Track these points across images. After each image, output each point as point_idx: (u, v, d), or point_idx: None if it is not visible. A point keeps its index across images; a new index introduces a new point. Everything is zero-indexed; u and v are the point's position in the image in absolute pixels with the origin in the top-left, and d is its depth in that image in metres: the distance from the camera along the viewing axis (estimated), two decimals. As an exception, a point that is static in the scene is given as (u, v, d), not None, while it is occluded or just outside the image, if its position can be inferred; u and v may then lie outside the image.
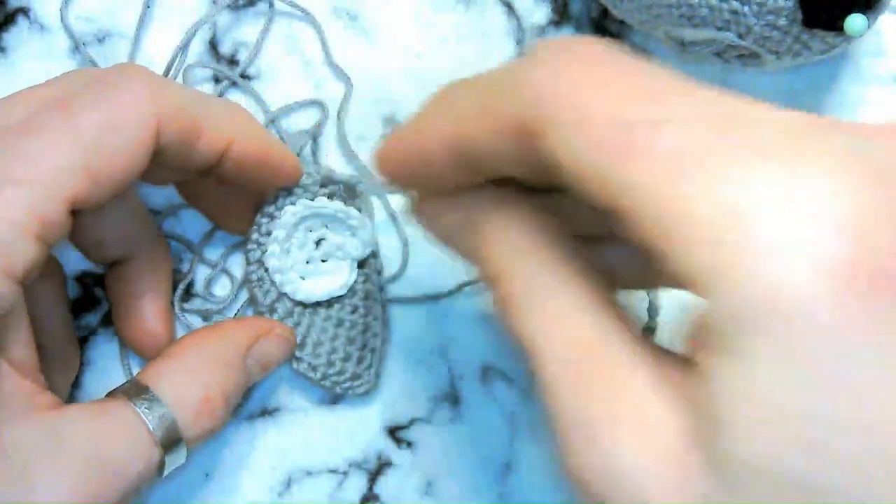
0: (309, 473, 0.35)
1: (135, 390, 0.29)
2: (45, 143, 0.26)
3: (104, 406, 0.28)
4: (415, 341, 0.36)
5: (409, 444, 0.35)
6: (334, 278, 0.35)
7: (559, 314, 0.21)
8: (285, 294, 0.34)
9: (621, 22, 0.36)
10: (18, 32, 0.37)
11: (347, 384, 0.34)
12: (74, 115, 0.27)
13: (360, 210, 0.35)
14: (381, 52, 0.37)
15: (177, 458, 0.29)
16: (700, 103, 0.20)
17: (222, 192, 0.34)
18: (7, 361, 0.26)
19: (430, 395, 0.36)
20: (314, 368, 0.34)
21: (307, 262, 0.35)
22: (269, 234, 0.34)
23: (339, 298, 0.34)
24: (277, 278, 0.34)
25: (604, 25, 0.37)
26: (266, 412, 0.35)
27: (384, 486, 0.35)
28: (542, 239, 0.22)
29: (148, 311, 0.33)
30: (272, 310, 0.34)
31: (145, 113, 0.28)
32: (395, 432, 0.35)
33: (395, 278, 0.36)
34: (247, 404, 0.35)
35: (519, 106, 0.21)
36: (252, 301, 0.35)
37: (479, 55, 0.37)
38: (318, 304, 0.34)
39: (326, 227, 0.35)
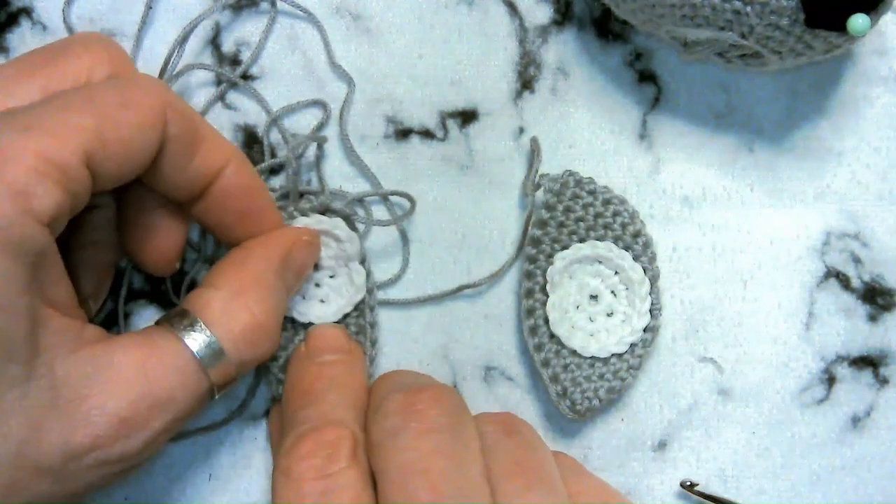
0: (311, 473, 0.35)
1: (179, 318, 0.29)
2: (61, 103, 0.27)
3: (150, 336, 0.29)
4: (416, 342, 0.36)
5: (412, 444, 0.35)
6: (330, 305, 0.35)
7: None
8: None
9: (623, 22, 0.36)
10: (21, 33, 0.37)
11: None
12: (91, 89, 0.28)
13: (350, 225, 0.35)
14: (383, 53, 0.37)
15: (227, 384, 0.29)
16: None
17: (153, 229, 0.32)
18: (47, 303, 0.27)
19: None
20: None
21: (317, 286, 0.35)
22: None
23: None
24: (291, 313, 0.34)
25: (606, 25, 0.37)
26: (270, 412, 0.35)
27: (386, 485, 0.35)
28: None
29: (161, 227, 0.32)
30: None
31: (156, 101, 0.28)
32: (397, 432, 0.35)
33: (395, 280, 0.36)
34: (250, 405, 0.35)
35: None
36: None
37: (481, 55, 0.37)
38: (309, 324, 0.34)
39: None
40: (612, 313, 0.35)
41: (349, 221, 0.35)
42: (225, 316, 0.29)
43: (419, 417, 0.28)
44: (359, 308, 0.35)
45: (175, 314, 0.29)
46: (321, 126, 0.36)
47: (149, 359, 0.28)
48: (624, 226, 0.35)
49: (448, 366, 0.36)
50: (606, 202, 0.35)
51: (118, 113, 0.27)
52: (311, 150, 0.36)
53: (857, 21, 0.30)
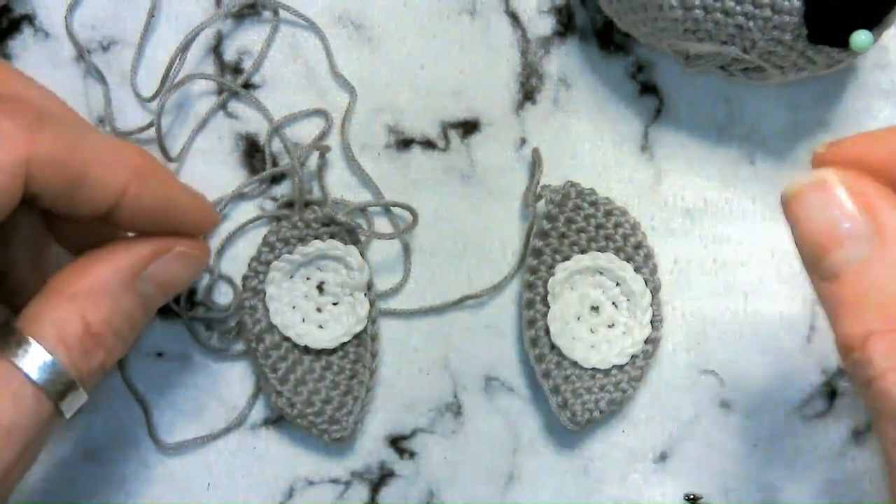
0: (311, 483, 0.35)
1: (8, 339, 0.26)
2: None
3: None
4: (417, 352, 0.36)
5: (412, 455, 0.35)
6: (328, 332, 0.34)
7: None
8: (275, 326, 0.34)
9: (626, 34, 0.36)
10: (23, 40, 0.37)
11: (324, 426, 0.34)
12: None
13: (356, 245, 0.35)
14: (385, 62, 0.37)
15: (74, 400, 0.27)
16: None
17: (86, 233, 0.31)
18: None
19: (432, 406, 0.36)
20: (292, 405, 0.34)
21: (318, 310, 0.35)
22: (267, 263, 0.34)
23: None
24: (289, 332, 0.34)
25: (608, 38, 0.37)
26: (269, 422, 0.35)
27: (386, 496, 0.35)
28: None
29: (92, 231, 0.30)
30: (259, 339, 0.34)
31: (14, 159, 0.25)
32: (397, 442, 0.35)
33: (397, 290, 0.36)
34: (249, 414, 0.35)
35: None
36: (240, 326, 0.35)
37: (483, 66, 0.37)
38: (305, 348, 0.34)
39: (319, 269, 0.35)
40: (613, 325, 0.35)
41: (352, 233, 0.35)
42: (54, 327, 0.26)
43: None
44: (359, 337, 0.35)
45: (5, 333, 0.26)
46: (323, 135, 0.36)
47: None
48: (625, 237, 0.35)
49: (448, 376, 0.36)
50: (608, 213, 0.35)
51: None
52: (313, 159, 0.36)
53: (860, 37, 0.30)
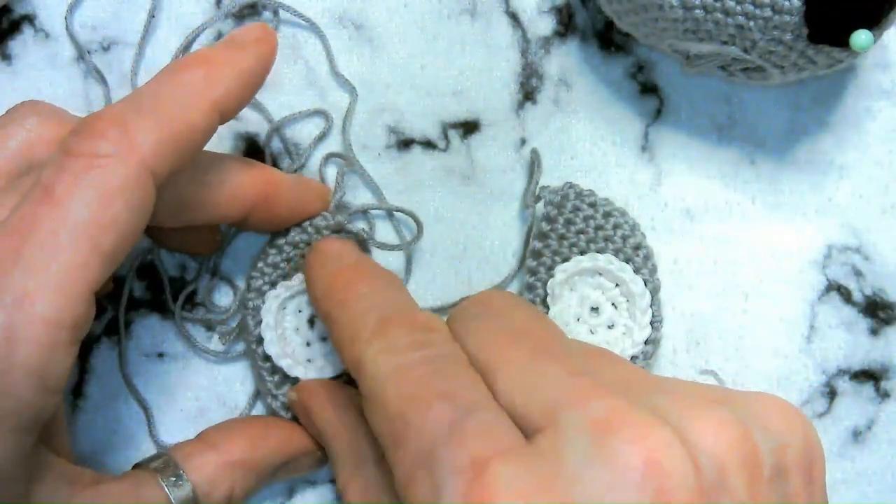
0: (312, 483, 0.35)
1: (166, 467, 0.30)
2: (52, 250, 0.25)
3: (136, 483, 0.29)
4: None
5: (411, 455, 0.35)
6: (327, 365, 0.34)
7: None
8: (269, 355, 0.34)
9: (626, 35, 0.36)
10: (24, 40, 0.37)
11: None
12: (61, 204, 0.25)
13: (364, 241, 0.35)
14: (385, 63, 0.37)
15: None
16: None
17: (188, 232, 0.34)
18: (52, 450, 0.27)
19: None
20: (287, 408, 0.34)
21: (307, 344, 0.34)
22: (274, 266, 0.34)
23: None
24: (280, 363, 0.34)
25: (609, 38, 0.37)
26: (268, 422, 0.35)
27: (386, 496, 0.35)
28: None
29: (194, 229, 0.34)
30: (259, 341, 0.34)
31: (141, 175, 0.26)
32: (397, 443, 0.35)
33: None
34: (249, 414, 0.35)
35: None
36: (242, 324, 0.35)
37: (483, 66, 0.37)
38: (297, 380, 0.34)
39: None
40: (612, 325, 0.35)
41: (363, 244, 0.34)
42: (211, 483, 0.30)
43: (500, 299, 0.30)
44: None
45: (166, 465, 0.30)
46: (323, 136, 0.36)
47: None
48: (625, 238, 0.35)
49: (448, 377, 0.36)
50: (607, 214, 0.35)
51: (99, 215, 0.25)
52: (314, 160, 0.36)
53: (861, 37, 0.30)
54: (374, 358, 0.26)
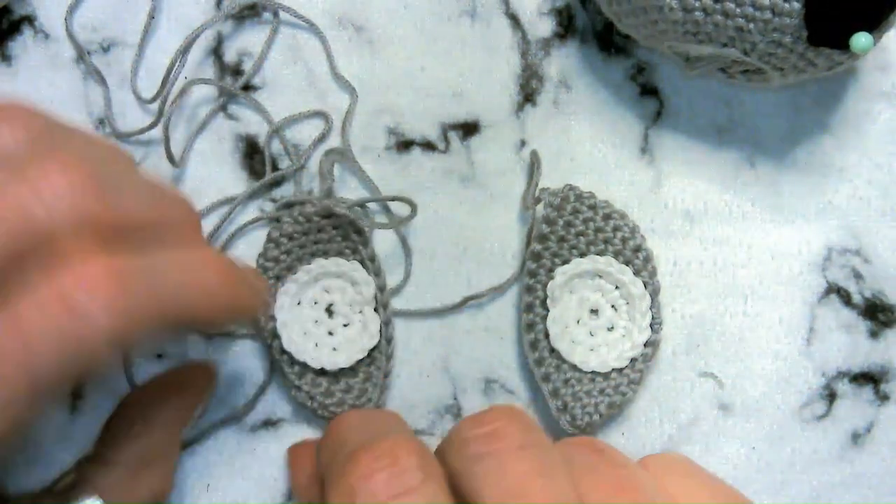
0: (310, 485, 0.35)
1: (82, 496, 0.29)
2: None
3: None
4: (417, 354, 0.36)
5: (411, 457, 0.35)
6: (342, 353, 0.34)
7: None
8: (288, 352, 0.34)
9: (626, 36, 0.36)
10: (23, 41, 0.37)
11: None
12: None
13: (360, 234, 0.35)
14: (385, 64, 0.37)
15: None
16: None
17: None
18: None
19: (432, 408, 0.36)
20: (311, 397, 0.34)
21: (329, 333, 0.35)
22: (274, 260, 0.34)
23: None
24: (303, 358, 0.34)
25: (609, 39, 0.37)
26: (269, 423, 0.35)
27: (385, 498, 0.35)
28: None
29: None
30: (273, 335, 0.34)
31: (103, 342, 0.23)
32: (396, 444, 0.35)
33: (397, 292, 0.36)
34: (249, 416, 0.35)
35: None
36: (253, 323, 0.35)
37: (483, 68, 0.37)
38: (321, 370, 0.34)
39: (326, 291, 0.35)
40: (612, 328, 0.35)
41: (353, 224, 0.35)
42: (126, 494, 0.29)
43: (502, 438, 0.27)
44: (371, 354, 0.35)
45: (79, 493, 0.29)
46: (323, 137, 0.36)
47: None
48: (624, 240, 0.35)
49: (448, 378, 0.36)
50: (607, 217, 0.35)
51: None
52: (313, 162, 0.36)
53: (860, 40, 0.30)
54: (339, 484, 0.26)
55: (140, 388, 0.32)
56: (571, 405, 0.34)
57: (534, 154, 0.36)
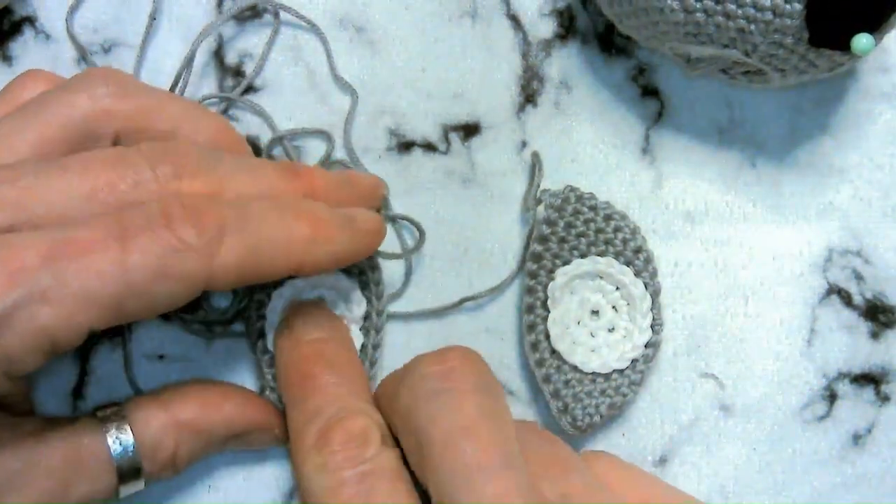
0: (311, 486, 0.35)
1: (113, 418, 0.30)
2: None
3: (79, 432, 0.29)
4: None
5: (412, 458, 0.35)
6: None
7: None
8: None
9: (627, 37, 0.36)
10: (24, 42, 0.37)
11: None
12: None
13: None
14: (386, 65, 0.37)
15: (133, 488, 0.30)
16: None
17: None
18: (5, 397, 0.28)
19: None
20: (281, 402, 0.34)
21: None
22: None
23: None
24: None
25: (610, 40, 0.37)
26: (269, 424, 0.35)
27: (386, 499, 0.35)
28: None
29: None
30: (260, 334, 0.34)
31: (196, 277, 0.28)
32: (397, 445, 0.35)
33: (397, 294, 0.36)
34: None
35: None
36: (246, 315, 0.35)
37: (484, 69, 0.37)
38: None
39: (323, 297, 0.35)
40: (613, 329, 0.35)
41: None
42: (155, 437, 0.30)
43: (457, 377, 0.28)
44: (366, 327, 0.35)
45: (114, 415, 0.30)
46: (328, 156, 0.36)
47: (70, 457, 0.29)
48: (625, 241, 0.35)
49: (449, 379, 0.36)
50: (607, 218, 0.35)
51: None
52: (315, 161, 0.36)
53: (861, 41, 0.30)
54: (309, 475, 0.28)
55: (241, 393, 0.33)
56: (572, 406, 0.34)
57: (535, 156, 0.36)
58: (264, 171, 0.31)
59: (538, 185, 0.36)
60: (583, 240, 0.35)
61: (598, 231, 0.35)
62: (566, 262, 0.34)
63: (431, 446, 0.26)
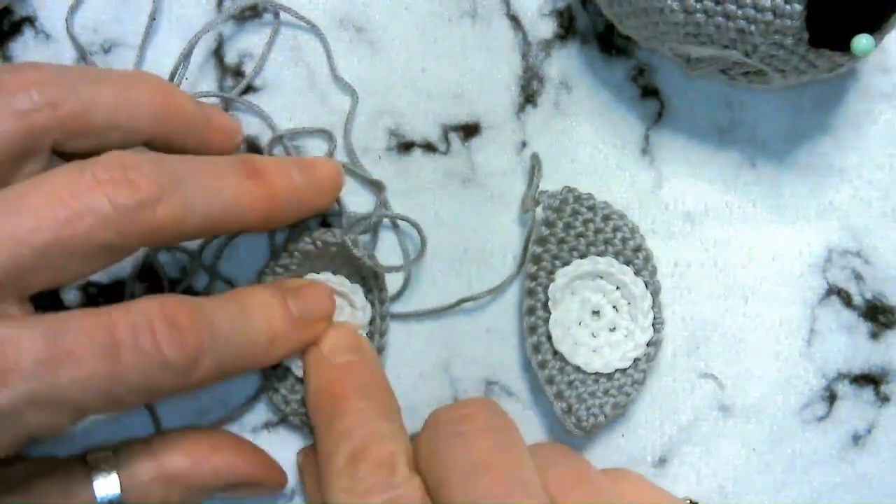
0: (311, 486, 0.35)
1: (103, 466, 0.30)
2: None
3: (67, 480, 0.30)
4: (417, 356, 0.36)
5: (412, 458, 0.35)
6: None
7: None
8: None
9: (627, 38, 0.36)
10: (24, 42, 0.37)
11: None
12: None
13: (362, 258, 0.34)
14: (386, 65, 0.37)
15: None
16: None
17: None
18: None
19: (432, 410, 0.35)
20: (287, 402, 0.34)
21: None
22: (285, 267, 0.34)
23: None
24: (288, 363, 0.34)
25: (610, 41, 0.37)
26: (269, 425, 0.35)
27: (386, 499, 0.35)
28: None
29: None
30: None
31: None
32: (397, 445, 0.35)
33: (398, 295, 0.36)
34: (250, 418, 0.35)
35: None
36: None
37: (484, 69, 0.37)
38: None
39: None
40: (614, 328, 0.35)
41: (364, 266, 0.34)
42: (142, 491, 0.30)
43: (472, 420, 0.29)
44: (370, 330, 0.35)
45: (104, 462, 0.30)
46: (329, 155, 0.36)
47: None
48: (624, 241, 0.35)
49: (449, 380, 0.36)
50: (606, 218, 0.35)
51: None
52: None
53: (862, 41, 0.30)
54: (337, 495, 0.28)
55: (232, 444, 0.33)
56: (576, 407, 0.34)
57: (534, 157, 0.36)
58: (224, 184, 0.30)
59: (537, 187, 0.36)
60: (582, 240, 0.35)
61: (597, 231, 0.35)
62: (566, 263, 0.34)
63: (450, 483, 0.27)
